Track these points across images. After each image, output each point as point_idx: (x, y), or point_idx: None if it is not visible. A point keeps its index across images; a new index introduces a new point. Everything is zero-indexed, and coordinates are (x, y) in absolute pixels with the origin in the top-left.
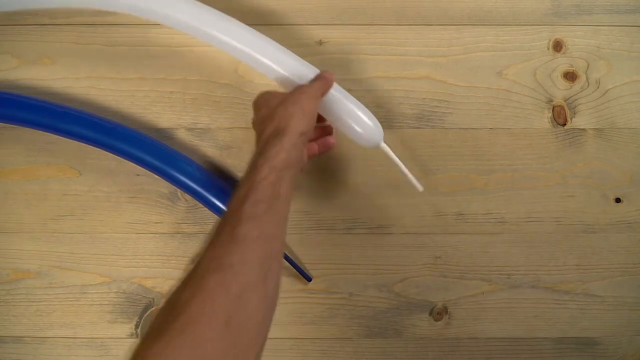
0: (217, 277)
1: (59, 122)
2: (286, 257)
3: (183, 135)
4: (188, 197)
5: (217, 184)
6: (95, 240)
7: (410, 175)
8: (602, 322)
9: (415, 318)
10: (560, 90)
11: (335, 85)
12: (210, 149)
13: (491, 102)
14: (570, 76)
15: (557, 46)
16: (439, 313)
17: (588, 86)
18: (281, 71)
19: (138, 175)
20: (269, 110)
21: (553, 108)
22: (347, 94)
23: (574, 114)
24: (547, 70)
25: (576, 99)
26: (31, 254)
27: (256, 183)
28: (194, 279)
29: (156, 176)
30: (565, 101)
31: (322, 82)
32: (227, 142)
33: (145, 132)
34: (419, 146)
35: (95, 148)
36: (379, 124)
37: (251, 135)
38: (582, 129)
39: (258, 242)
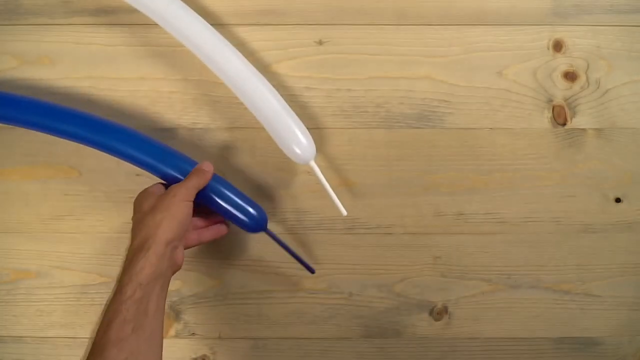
0: None
1: (53, 121)
2: (289, 250)
3: (183, 135)
4: None
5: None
6: (95, 240)
7: (335, 198)
8: (602, 322)
9: (415, 318)
10: (561, 90)
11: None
12: (210, 149)
13: (491, 102)
14: (570, 76)
15: (557, 46)
16: (439, 313)
17: (588, 86)
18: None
19: (138, 175)
20: (141, 215)
21: (553, 108)
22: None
23: (574, 114)
24: (547, 70)
25: (576, 99)
26: (31, 254)
27: (121, 304)
28: None
29: (156, 176)
30: (565, 101)
31: (197, 178)
32: (227, 142)
33: (145, 132)
34: (419, 146)
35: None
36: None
37: (251, 135)
38: (582, 129)
39: None
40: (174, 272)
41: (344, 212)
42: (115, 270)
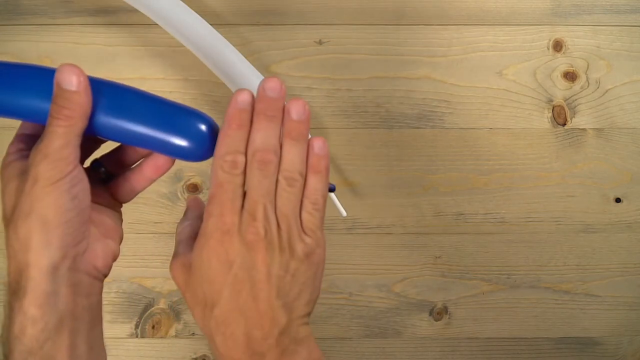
0: None
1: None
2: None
3: None
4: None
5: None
6: None
7: (335, 199)
8: (602, 322)
9: (415, 318)
10: (560, 90)
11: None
12: None
13: (491, 102)
14: (570, 76)
15: (557, 46)
16: (439, 313)
17: (588, 86)
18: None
19: None
20: (5, 224)
21: (553, 108)
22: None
23: (574, 114)
24: (547, 70)
25: (576, 99)
26: None
27: None
28: None
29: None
30: (565, 101)
31: (64, 119)
32: None
33: None
34: (419, 146)
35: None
36: None
37: None
38: (582, 129)
39: None
40: (104, 277)
41: (344, 213)
42: (116, 270)
